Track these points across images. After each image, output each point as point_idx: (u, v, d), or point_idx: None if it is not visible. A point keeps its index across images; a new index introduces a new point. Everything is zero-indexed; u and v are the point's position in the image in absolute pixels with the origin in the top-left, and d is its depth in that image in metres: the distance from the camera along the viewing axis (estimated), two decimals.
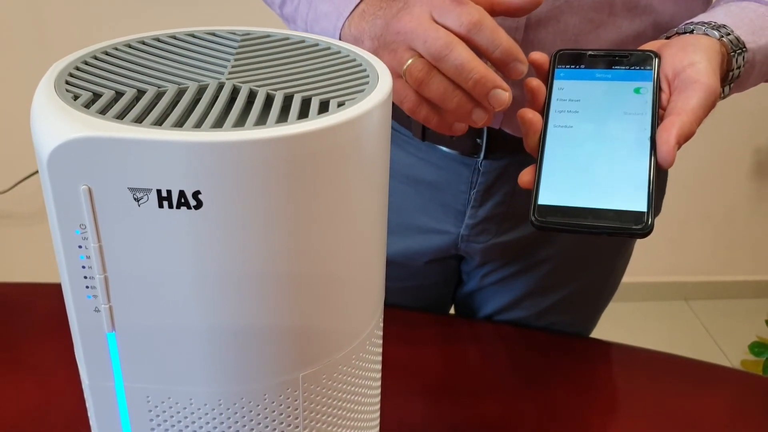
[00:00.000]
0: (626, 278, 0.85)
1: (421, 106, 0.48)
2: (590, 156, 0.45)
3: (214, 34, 0.40)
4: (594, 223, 0.42)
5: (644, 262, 1.37)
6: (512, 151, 0.66)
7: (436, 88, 0.45)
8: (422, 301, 0.82)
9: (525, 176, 0.46)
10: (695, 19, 0.54)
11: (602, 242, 0.76)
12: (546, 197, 0.43)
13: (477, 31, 0.44)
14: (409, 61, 0.45)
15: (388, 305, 0.43)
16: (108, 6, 1.59)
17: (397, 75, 0.47)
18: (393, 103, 0.37)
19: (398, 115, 0.70)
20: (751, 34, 0.52)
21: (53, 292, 0.75)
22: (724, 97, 0.53)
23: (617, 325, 1.16)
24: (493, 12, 0.47)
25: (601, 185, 0.43)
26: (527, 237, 0.73)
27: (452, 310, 0.90)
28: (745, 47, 0.52)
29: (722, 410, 0.67)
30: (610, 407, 0.67)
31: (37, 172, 1.66)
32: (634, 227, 0.41)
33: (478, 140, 0.67)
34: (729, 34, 0.51)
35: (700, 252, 2.21)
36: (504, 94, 0.44)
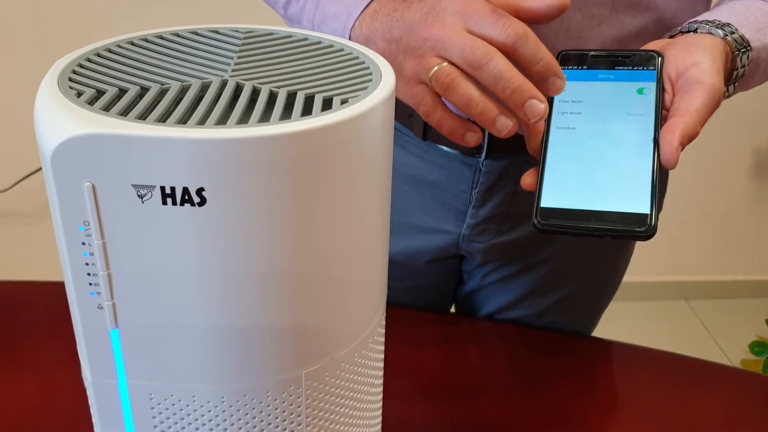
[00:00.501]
0: (626, 278, 0.85)
1: (436, 109, 0.48)
2: (593, 158, 0.45)
3: (217, 32, 0.40)
4: (597, 225, 0.41)
5: (644, 262, 1.37)
6: (514, 150, 0.66)
7: (462, 94, 0.45)
8: (423, 301, 0.82)
9: (527, 179, 0.46)
10: (699, 18, 0.54)
11: (604, 242, 0.76)
12: (549, 200, 0.43)
13: (523, 43, 0.44)
14: (436, 66, 0.45)
15: (388, 304, 0.43)
16: (109, 5, 1.59)
17: (418, 80, 0.47)
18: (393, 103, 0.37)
19: (399, 114, 0.70)
20: (756, 33, 0.52)
21: (54, 290, 0.75)
22: (728, 96, 0.53)
23: (617, 324, 1.16)
24: (518, 19, 0.47)
25: (604, 187, 0.43)
26: (528, 237, 0.73)
27: (453, 310, 0.90)
28: (749, 46, 0.51)
29: (722, 410, 0.67)
30: (610, 407, 0.67)
31: (38, 170, 1.66)
32: (638, 230, 0.41)
33: None
34: (733, 33, 0.51)
35: (699, 251, 2.21)
36: (540, 105, 0.43)
